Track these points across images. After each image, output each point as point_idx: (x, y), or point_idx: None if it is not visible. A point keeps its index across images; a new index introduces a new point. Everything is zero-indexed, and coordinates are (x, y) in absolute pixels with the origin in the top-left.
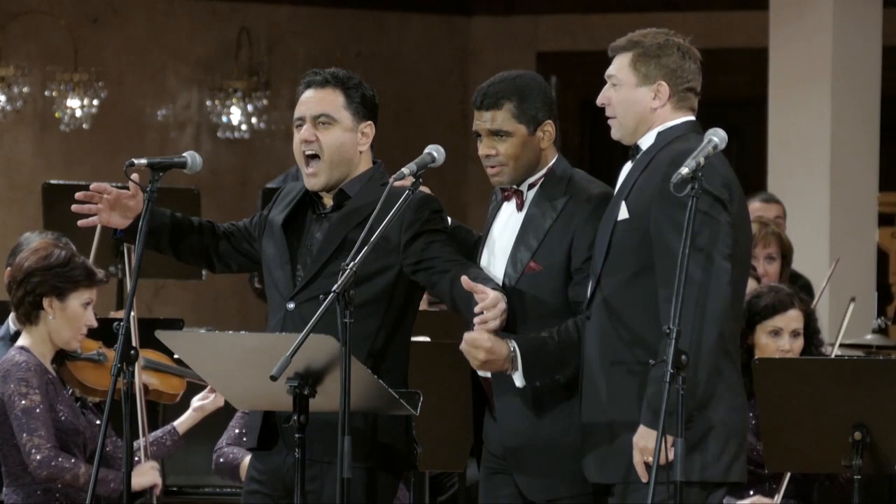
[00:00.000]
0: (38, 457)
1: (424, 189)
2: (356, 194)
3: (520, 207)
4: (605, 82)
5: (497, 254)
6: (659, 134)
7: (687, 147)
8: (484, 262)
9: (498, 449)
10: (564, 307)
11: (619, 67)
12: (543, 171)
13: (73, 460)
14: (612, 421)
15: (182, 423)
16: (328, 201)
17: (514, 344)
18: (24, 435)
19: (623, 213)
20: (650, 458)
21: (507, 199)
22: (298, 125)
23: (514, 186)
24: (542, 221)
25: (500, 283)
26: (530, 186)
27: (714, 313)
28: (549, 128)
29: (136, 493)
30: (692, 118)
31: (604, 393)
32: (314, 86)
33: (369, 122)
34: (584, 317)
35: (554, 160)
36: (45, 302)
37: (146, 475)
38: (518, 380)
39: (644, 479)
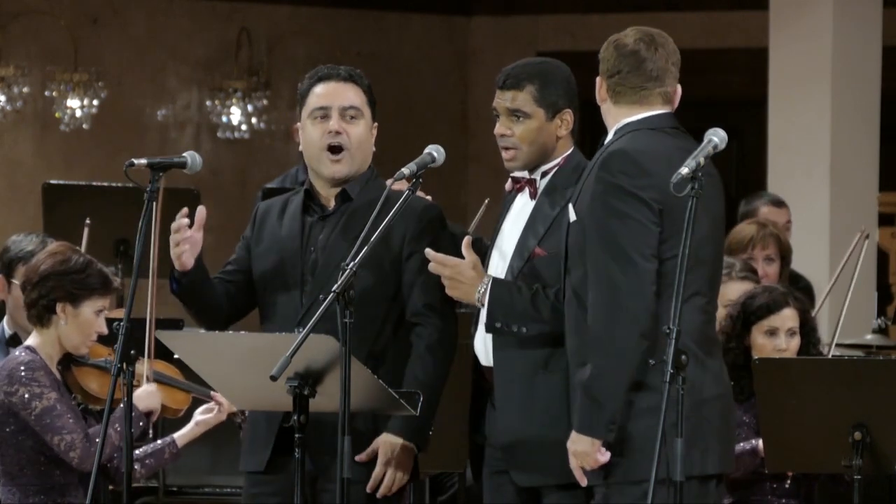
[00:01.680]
0: (78, 453)
1: (421, 195)
2: (357, 196)
3: (533, 196)
4: None
5: (507, 242)
6: (615, 132)
7: (619, 147)
8: (494, 252)
9: (499, 441)
10: (570, 293)
11: None
12: (558, 161)
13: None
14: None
15: (182, 436)
16: (330, 202)
17: (488, 277)
18: (54, 437)
19: (572, 216)
20: (584, 462)
21: (521, 189)
22: (320, 116)
23: (528, 175)
24: (551, 209)
25: (508, 269)
26: (544, 174)
27: (633, 317)
28: (567, 116)
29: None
30: (656, 112)
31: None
32: (336, 79)
33: (376, 123)
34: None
35: (570, 151)
36: (59, 307)
37: (152, 396)
38: (483, 316)
39: (583, 483)
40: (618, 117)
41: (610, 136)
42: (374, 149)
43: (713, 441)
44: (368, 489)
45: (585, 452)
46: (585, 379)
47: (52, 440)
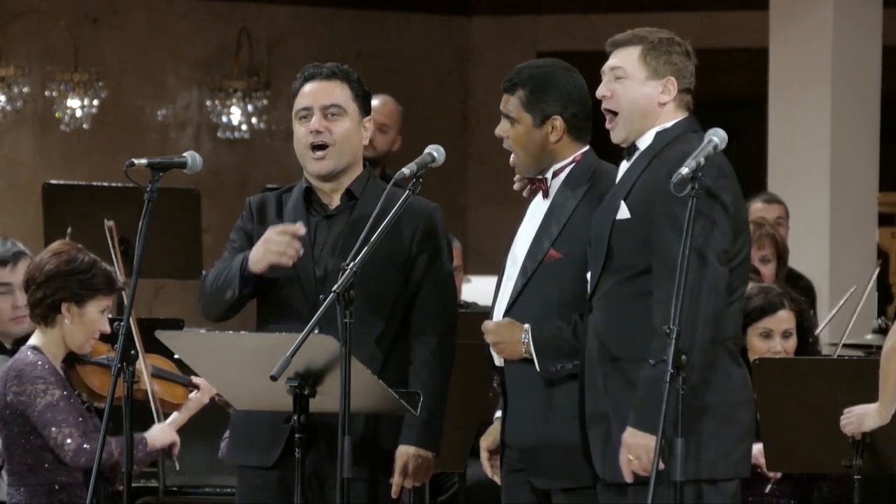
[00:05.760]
0: (71, 447)
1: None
2: (362, 195)
3: (545, 195)
4: None
5: (521, 243)
6: (657, 134)
7: (689, 149)
8: (508, 257)
9: (514, 443)
10: (584, 295)
11: (627, 60)
12: (567, 161)
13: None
14: (616, 418)
15: (170, 424)
16: (335, 200)
17: (527, 329)
18: (53, 429)
19: (623, 213)
20: (637, 459)
21: (536, 190)
22: (304, 116)
23: (540, 175)
24: (564, 210)
25: (520, 271)
26: (555, 174)
27: (707, 316)
28: (557, 123)
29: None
30: (687, 116)
31: (603, 388)
32: (320, 77)
33: (369, 116)
34: (587, 308)
35: (581, 151)
36: (64, 307)
37: (164, 433)
38: (536, 366)
39: (629, 479)
40: (665, 118)
41: (651, 139)
42: (364, 143)
43: (747, 442)
44: (394, 495)
45: (647, 448)
46: (651, 376)
47: (49, 433)
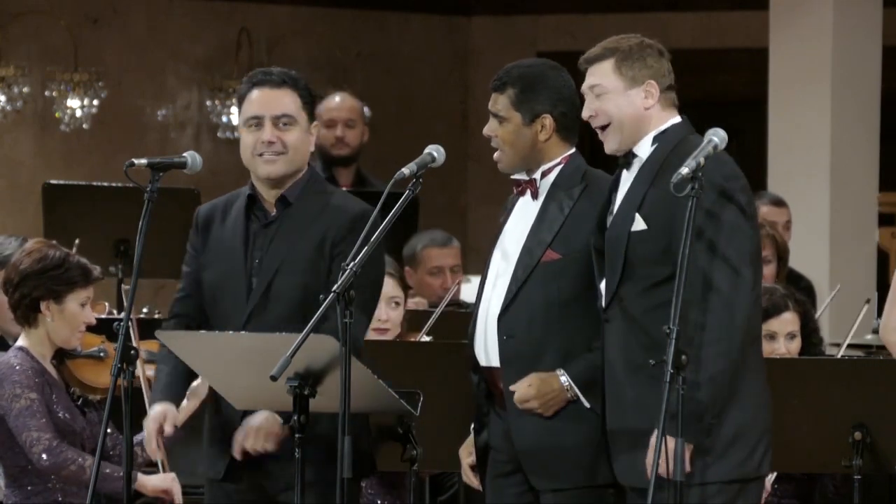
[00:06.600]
0: (40, 449)
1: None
2: (296, 200)
3: (534, 195)
4: None
5: (511, 245)
6: (655, 139)
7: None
8: (496, 256)
9: (503, 443)
10: (587, 294)
11: (602, 76)
12: (558, 161)
13: (77, 450)
14: (640, 425)
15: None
16: (273, 208)
17: (562, 373)
18: (24, 433)
19: (639, 225)
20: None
21: (522, 192)
22: (254, 124)
23: (527, 177)
24: (559, 211)
25: (512, 275)
26: (544, 175)
27: (736, 325)
28: (546, 122)
29: (137, 493)
30: (679, 117)
31: (629, 397)
32: (270, 85)
33: (315, 122)
34: (603, 319)
35: (569, 152)
36: (43, 305)
37: (164, 480)
38: (587, 403)
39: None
40: (657, 122)
41: (649, 144)
42: (311, 149)
43: (767, 440)
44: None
45: (680, 452)
46: (694, 385)
47: (22, 437)
